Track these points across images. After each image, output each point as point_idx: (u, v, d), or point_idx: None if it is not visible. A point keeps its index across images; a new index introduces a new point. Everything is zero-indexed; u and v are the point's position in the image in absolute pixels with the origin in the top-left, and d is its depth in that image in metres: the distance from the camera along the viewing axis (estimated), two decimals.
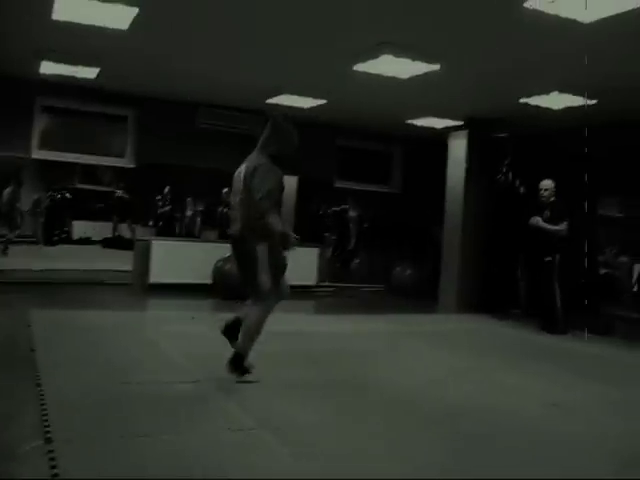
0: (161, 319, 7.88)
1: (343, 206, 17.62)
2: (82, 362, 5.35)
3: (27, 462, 3.32)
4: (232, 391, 4.76)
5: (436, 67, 7.12)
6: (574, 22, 5.51)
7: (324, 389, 5.01)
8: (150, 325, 7.33)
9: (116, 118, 10.51)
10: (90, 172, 20.57)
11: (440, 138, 10.98)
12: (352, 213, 17.15)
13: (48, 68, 8.14)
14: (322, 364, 5.82)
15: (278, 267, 4.91)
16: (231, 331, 5.04)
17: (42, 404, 4.15)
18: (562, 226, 8.40)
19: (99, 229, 19.30)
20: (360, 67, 7.31)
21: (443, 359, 6.62)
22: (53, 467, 3.19)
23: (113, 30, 6.62)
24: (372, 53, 6.83)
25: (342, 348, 6.70)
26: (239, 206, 4.94)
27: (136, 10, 6.05)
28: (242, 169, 4.96)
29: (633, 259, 14.79)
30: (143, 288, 9.93)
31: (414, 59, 6.88)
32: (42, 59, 7.85)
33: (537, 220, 8.46)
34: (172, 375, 5.18)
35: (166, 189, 17.48)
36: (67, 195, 19.13)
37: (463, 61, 7.17)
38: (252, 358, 4.97)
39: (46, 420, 3.85)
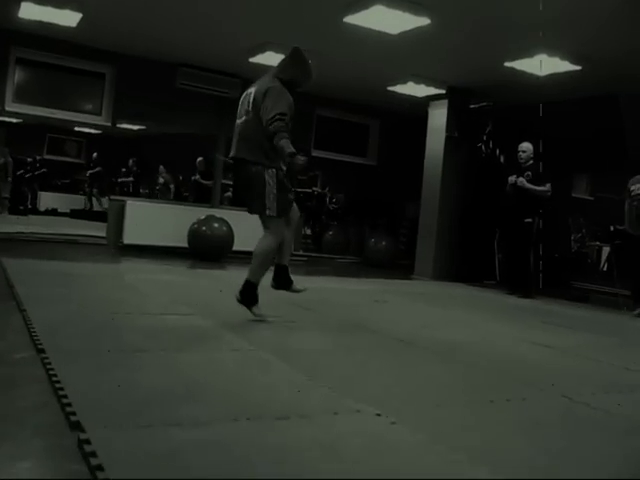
0: (139, 270, 7.71)
1: (315, 188, 17.54)
2: (64, 297, 5.19)
3: (23, 367, 3.20)
4: (226, 322, 4.66)
5: (427, 21, 7.05)
6: None
7: (320, 327, 4.96)
8: (129, 274, 7.16)
9: (94, 74, 10.21)
10: (59, 143, 20.34)
11: (419, 111, 10.93)
12: (324, 193, 17.09)
13: (28, 11, 7.84)
14: (314, 310, 5.73)
15: (285, 191, 4.76)
16: (279, 281, 5.03)
17: (29, 325, 3.99)
18: (547, 187, 8.40)
19: (66, 201, 19.05)
20: (350, 19, 7.20)
21: (431, 311, 6.64)
22: (50, 370, 3.07)
23: None
24: (364, 3, 6.74)
25: (331, 299, 6.64)
26: (245, 128, 4.76)
27: None
28: (252, 91, 4.79)
29: (602, 243, 15.27)
30: (117, 248, 9.75)
31: (405, 10, 6.78)
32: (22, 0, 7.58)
33: (521, 180, 8.43)
34: (161, 309, 5.06)
35: (130, 161, 17.37)
36: (37, 164, 18.79)
37: (454, 15, 7.08)
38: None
39: (36, 336, 3.70)
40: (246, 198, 4.88)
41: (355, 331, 4.96)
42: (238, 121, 4.86)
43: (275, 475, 2.12)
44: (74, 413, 2.50)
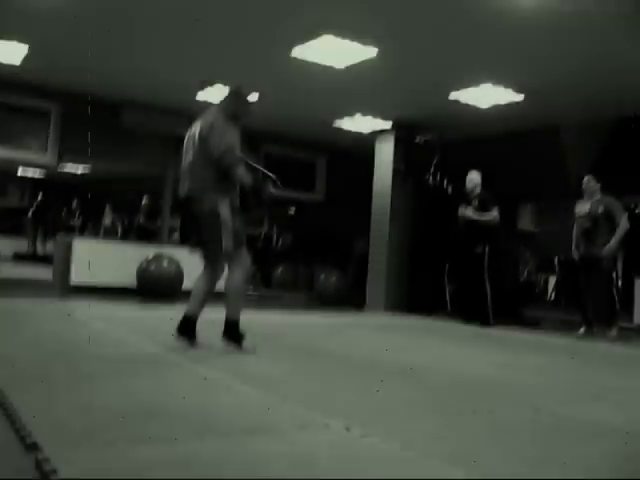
0: (89, 308, 7.49)
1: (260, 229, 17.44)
2: (13, 332, 5.01)
3: None
4: (182, 352, 4.53)
5: (373, 52, 7.16)
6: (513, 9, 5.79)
7: (278, 354, 4.88)
8: (78, 311, 6.94)
9: (39, 112, 10.02)
10: (0, 187, 19.90)
11: (364, 148, 11.04)
12: (270, 234, 16.99)
13: None
14: (271, 339, 5.64)
15: (238, 232, 4.66)
16: (186, 329, 4.72)
17: None
18: (494, 212, 8.46)
19: (8, 244, 18.54)
20: (298, 51, 7.26)
21: (386, 339, 6.61)
22: (2, 397, 2.91)
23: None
24: (312, 33, 6.81)
25: (286, 330, 6.60)
26: (192, 164, 4.68)
27: None
28: (197, 126, 4.75)
29: (548, 273, 15.76)
30: (64, 289, 9.48)
31: (353, 40, 6.88)
32: None
33: (468, 213, 8.52)
34: (113, 340, 4.91)
35: (74, 203, 17.14)
36: None
37: (400, 46, 7.16)
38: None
39: None
40: (200, 237, 4.78)
41: (314, 357, 4.89)
42: (185, 162, 4.78)
43: None
44: (30, 435, 2.37)
